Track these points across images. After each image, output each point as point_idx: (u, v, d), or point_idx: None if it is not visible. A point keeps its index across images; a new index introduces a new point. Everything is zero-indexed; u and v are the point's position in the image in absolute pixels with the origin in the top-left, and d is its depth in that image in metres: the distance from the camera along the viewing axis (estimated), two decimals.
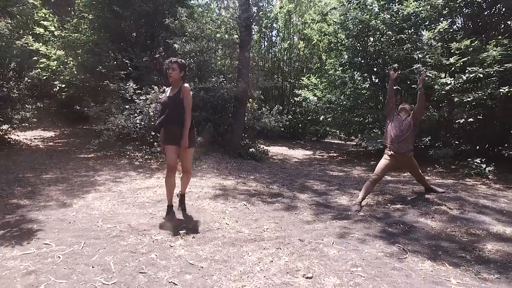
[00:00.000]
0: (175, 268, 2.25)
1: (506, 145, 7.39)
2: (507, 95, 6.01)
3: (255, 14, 7.98)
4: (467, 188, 5.11)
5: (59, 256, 2.34)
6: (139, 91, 7.27)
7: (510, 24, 7.26)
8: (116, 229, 2.96)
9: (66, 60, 10.70)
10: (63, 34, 10.10)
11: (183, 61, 3.31)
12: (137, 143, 7.02)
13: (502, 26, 7.48)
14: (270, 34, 15.98)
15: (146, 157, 6.78)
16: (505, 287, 2.13)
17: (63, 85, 10.24)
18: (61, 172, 5.37)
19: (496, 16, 7.63)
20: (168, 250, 2.54)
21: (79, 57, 10.14)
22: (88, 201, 3.84)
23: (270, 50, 16.00)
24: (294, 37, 16.07)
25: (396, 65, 8.14)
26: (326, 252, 2.62)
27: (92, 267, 2.21)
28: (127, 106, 7.32)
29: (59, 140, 9.51)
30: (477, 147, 8.04)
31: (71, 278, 2.04)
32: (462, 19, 8.25)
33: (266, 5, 14.67)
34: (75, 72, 11.06)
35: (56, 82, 10.22)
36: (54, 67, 10.54)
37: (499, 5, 7.35)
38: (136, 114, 6.97)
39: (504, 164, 6.90)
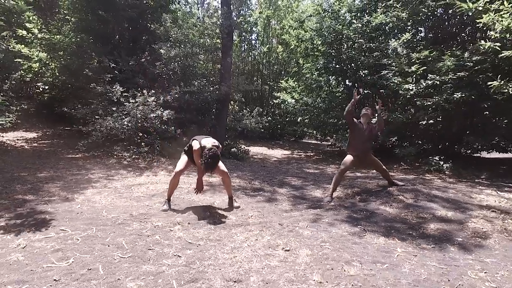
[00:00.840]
0: (177, 246, 2.73)
1: (462, 144, 8.29)
2: (460, 100, 6.82)
3: (236, 22, 8.48)
4: (425, 181, 5.83)
5: (77, 239, 2.76)
6: (125, 94, 7.60)
7: (464, 36, 8.14)
8: (120, 218, 3.40)
9: (47, 62, 10.80)
10: (46, 36, 10.20)
11: None
12: (124, 143, 7.36)
13: (458, 38, 8.35)
14: (250, 37, 16.50)
15: (133, 156, 7.13)
16: (437, 253, 2.75)
17: (46, 87, 10.34)
18: (54, 171, 5.67)
19: (453, 28, 8.51)
20: (169, 233, 3.02)
21: (62, 59, 10.30)
22: (88, 196, 4.23)
23: (250, 53, 16.53)
24: (273, 41, 16.68)
25: (365, 72, 8.90)
26: (301, 233, 3.17)
27: (108, 246, 2.66)
28: (114, 108, 7.64)
29: (43, 141, 9.64)
30: (439, 146, 8.92)
31: (93, 254, 2.49)
32: (424, 30, 9.10)
33: (246, 10, 15.15)
34: (57, 74, 11.19)
35: (39, 84, 10.31)
36: (36, 69, 10.62)
37: (455, 19, 8.23)
38: (123, 116, 7.31)
39: (460, 161, 7.76)
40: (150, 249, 2.63)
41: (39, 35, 10.19)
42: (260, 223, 3.44)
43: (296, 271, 2.33)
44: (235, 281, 2.16)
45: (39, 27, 10.27)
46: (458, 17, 7.99)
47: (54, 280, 2.07)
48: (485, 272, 2.38)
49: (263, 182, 5.87)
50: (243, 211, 3.90)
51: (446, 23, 8.60)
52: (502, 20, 5.69)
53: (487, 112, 7.57)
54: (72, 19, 10.26)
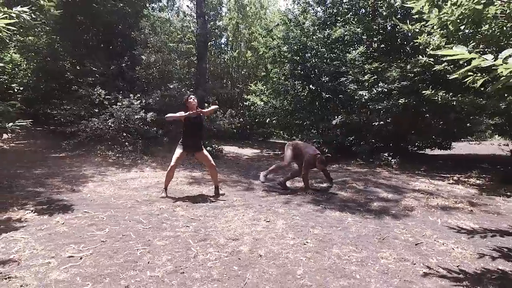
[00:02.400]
0: (183, 220, 3.53)
1: (407, 142, 9.69)
2: (404, 104, 8.10)
3: (212, 32, 9.24)
4: (374, 173, 7.01)
5: (102, 217, 3.47)
6: (108, 97, 8.11)
7: (408, 49, 9.52)
8: (128, 203, 4.11)
9: (19, 63, 10.90)
10: (20, 38, 10.32)
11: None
12: (109, 143, 7.89)
13: (403, 50, 9.73)
14: (220, 42, 17.26)
15: (117, 155, 7.70)
16: (376, 220, 3.77)
17: (21, 88, 10.47)
18: (48, 169, 6.16)
19: (399, 42, 9.88)
20: (173, 212, 3.80)
21: (35, 61, 10.49)
22: (92, 188, 4.86)
23: (220, 57, 17.28)
24: (241, 45, 17.54)
25: (326, 79, 10.06)
26: (276, 211, 4.08)
27: (129, 221, 3.40)
28: (96, 110, 8.14)
29: (19, 142, 9.81)
30: (389, 144, 10.27)
31: (121, 226, 3.23)
32: (376, 43, 10.42)
33: (216, 15, 15.90)
34: (29, 75, 11.31)
35: (13, 85, 10.41)
36: (8, 70, 10.69)
37: (400, 34, 9.59)
38: (107, 117, 7.84)
39: (407, 157, 9.10)
40: (163, 223, 3.41)
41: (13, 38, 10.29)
42: (244, 205, 4.31)
43: (276, 232, 3.23)
44: (233, 239, 3.01)
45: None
46: (400, 34, 9.35)
47: (102, 241, 2.81)
48: (405, 230, 3.43)
49: (240, 176, 6.74)
50: (228, 197, 4.74)
51: (393, 38, 9.96)
52: (433, 40, 6.99)
53: (427, 115, 8.99)
54: (50, 23, 10.44)
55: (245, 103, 14.44)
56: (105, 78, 9.04)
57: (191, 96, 4.83)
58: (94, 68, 8.75)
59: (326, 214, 4.00)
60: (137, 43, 9.24)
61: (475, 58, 1.79)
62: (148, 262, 2.45)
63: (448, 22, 3.28)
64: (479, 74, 3.71)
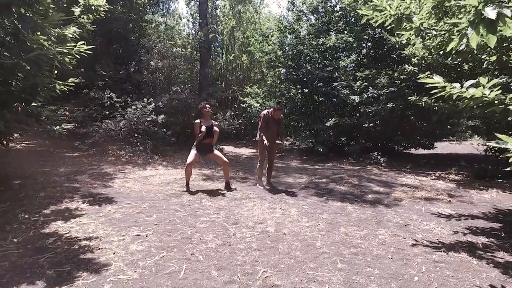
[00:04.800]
0: (213, 209, 4.20)
1: (393, 142, 10.56)
2: (391, 108, 8.94)
3: (213, 38, 9.88)
4: (366, 171, 7.81)
5: (145, 207, 4.11)
6: (118, 99, 8.67)
7: (395, 57, 10.39)
8: (159, 196, 4.75)
9: None
10: None
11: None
12: (121, 143, 8.45)
13: (389, 59, 10.59)
14: (216, 45, 17.86)
15: (129, 155, 8.27)
16: (372, 208, 4.53)
17: None
18: (72, 167, 6.70)
19: (384, 51, 10.75)
20: (201, 203, 4.46)
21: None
22: (120, 184, 5.46)
23: (216, 60, 17.89)
24: (235, 48, 18.19)
25: (320, 84, 10.85)
26: (288, 202, 4.79)
27: (168, 210, 4.05)
28: (106, 112, 8.68)
29: (29, 142, 10.24)
30: (378, 144, 11.13)
31: (164, 214, 3.87)
32: (366, 51, 11.26)
33: (213, 20, 16.49)
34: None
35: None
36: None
37: (385, 44, 10.46)
38: (119, 119, 8.40)
39: (394, 156, 9.96)
40: (197, 211, 4.07)
41: None
42: (258, 197, 5.01)
43: (292, 218, 3.94)
44: (259, 223, 3.70)
45: None
46: (388, 44, 10.21)
47: (155, 224, 3.46)
48: (396, 215, 4.19)
49: (246, 173, 7.42)
50: (242, 191, 5.42)
51: (382, 47, 10.82)
52: (416, 52, 7.84)
53: (412, 118, 9.88)
54: None
55: (241, 105, 15.10)
56: (113, 82, 9.58)
57: (206, 105, 5.45)
58: (103, 73, 9.27)
59: (330, 204, 4.73)
60: (143, 48, 9.79)
61: (446, 86, 2.54)
62: (200, 239, 3.11)
63: (430, 47, 4.04)
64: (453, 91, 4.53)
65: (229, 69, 17.66)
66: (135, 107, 8.17)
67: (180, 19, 15.61)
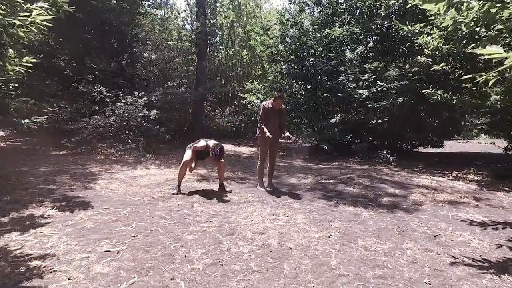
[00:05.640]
0: (205, 216, 3.57)
1: (403, 140, 9.93)
2: (402, 103, 8.30)
3: (211, 30, 9.26)
4: (376, 170, 7.17)
5: (124, 214, 3.49)
6: (108, 94, 8.04)
7: (405, 49, 9.75)
8: (145, 200, 4.13)
9: (13, 59, 10.64)
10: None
11: None
12: (111, 141, 7.83)
13: (399, 50, 9.95)
14: (215, 40, 17.21)
15: (120, 153, 7.65)
16: (390, 214, 3.90)
17: (16, 85, 10.24)
18: (53, 166, 6.09)
19: (396, 42, 10.10)
20: (192, 208, 3.84)
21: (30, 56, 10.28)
22: (103, 185, 4.85)
23: (215, 54, 17.24)
24: (235, 43, 17.53)
25: (324, 78, 10.22)
26: (292, 206, 4.16)
27: (152, 217, 3.43)
28: (96, 108, 8.07)
29: (14, 139, 9.66)
30: (385, 142, 10.49)
31: (146, 221, 3.25)
32: (373, 43, 10.60)
33: (211, 14, 15.85)
34: (23, 72, 11.07)
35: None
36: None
37: (397, 35, 9.81)
38: (109, 115, 7.77)
39: (402, 154, 9.31)
40: (186, 218, 3.45)
41: None
42: (259, 200, 4.38)
43: (298, 226, 3.32)
44: (260, 233, 3.08)
45: None
46: (398, 34, 9.56)
47: (132, 236, 2.84)
48: (420, 223, 3.56)
49: (245, 173, 6.80)
50: (240, 193, 4.80)
51: (389, 39, 10.17)
52: (432, 41, 7.20)
53: (422, 114, 9.23)
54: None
55: (241, 101, 14.48)
56: (104, 75, 8.95)
57: None
58: (93, 65, 8.65)
59: (341, 209, 4.11)
60: (136, 40, 9.16)
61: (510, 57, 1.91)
62: (185, 256, 2.49)
63: (463, 24, 3.41)
64: (491, 74, 3.90)
65: (229, 65, 17.01)
66: (125, 102, 7.54)
67: (179, 13, 14.98)
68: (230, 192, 4.89)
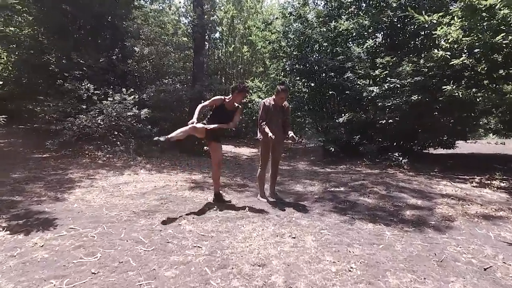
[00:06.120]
0: (193, 238, 2.89)
1: (415, 141, 9.23)
2: (416, 101, 7.59)
3: (209, 23, 8.58)
4: (390, 175, 6.48)
5: (93, 236, 2.81)
6: (97, 92, 7.38)
7: (417, 43, 9.04)
8: (123, 215, 3.46)
9: None
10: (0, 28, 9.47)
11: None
12: (98, 142, 7.17)
13: (410, 45, 9.24)
14: (214, 36, 16.56)
15: (108, 156, 6.99)
16: (419, 234, 3.21)
17: (1, 82, 9.61)
18: (29, 171, 5.42)
19: (405, 37, 9.40)
20: (179, 227, 3.16)
21: (17, 53, 9.67)
22: (79, 196, 4.18)
23: (214, 52, 16.60)
24: (236, 39, 16.85)
25: (331, 74, 9.53)
26: (299, 222, 3.48)
27: (126, 241, 2.75)
28: (84, 106, 7.40)
29: None
30: (394, 144, 9.79)
31: (116, 249, 2.58)
32: (382, 37, 9.91)
33: (210, 8, 15.17)
34: (10, 68, 10.47)
35: None
36: None
37: (410, 28, 9.11)
38: (96, 114, 7.11)
39: (413, 156, 8.58)
40: (168, 242, 2.77)
41: None
42: (259, 215, 3.70)
43: (309, 254, 2.63)
44: (260, 265, 2.40)
45: None
46: (412, 26, 8.85)
47: (92, 273, 2.16)
48: (460, 247, 2.87)
49: (245, 179, 6.12)
50: (238, 204, 4.12)
51: (401, 32, 9.47)
52: (453, 32, 6.50)
53: (436, 113, 8.48)
54: (33, 12, 9.61)
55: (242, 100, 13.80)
56: (93, 72, 8.29)
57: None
58: (81, 61, 7.98)
59: (358, 226, 3.42)
60: (128, 34, 8.48)
61: None
62: None
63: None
64: None
65: (229, 62, 16.34)
66: (112, 100, 6.86)
67: (176, 8, 14.31)
68: (229, 202, 4.22)
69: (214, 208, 3.90)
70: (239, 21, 16.11)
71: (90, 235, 2.83)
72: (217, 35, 16.99)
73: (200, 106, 3.94)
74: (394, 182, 5.57)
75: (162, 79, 8.42)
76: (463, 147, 14.61)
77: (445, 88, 6.32)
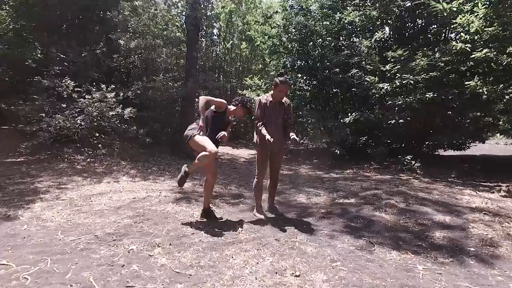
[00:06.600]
0: (163, 279, 2.16)
1: (426, 142, 8.48)
2: (432, 99, 6.85)
3: (204, 16, 7.86)
4: (404, 182, 5.74)
5: (26, 277, 2.09)
6: (78, 89, 6.67)
7: (429, 36, 8.30)
8: (82, 241, 2.73)
9: None
10: None
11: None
12: (78, 145, 6.45)
13: (422, 37, 8.49)
14: (211, 32, 15.81)
15: (88, 160, 6.28)
16: (458, 268, 2.49)
17: None
18: None
19: (416, 29, 8.67)
20: (148, 260, 2.43)
21: None
22: (37, 212, 3.45)
23: (212, 49, 15.86)
24: (234, 36, 16.11)
25: (335, 70, 8.79)
26: (304, 250, 2.75)
27: (70, 286, 2.02)
28: (63, 105, 6.69)
29: None
30: (402, 145, 9.06)
31: None
32: (390, 30, 9.16)
33: (207, 4, 14.44)
34: None
35: None
36: None
37: (418, 20, 8.38)
38: (76, 114, 6.40)
39: (425, 159, 7.79)
40: (128, 287, 2.04)
41: None
42: (254, 239, 2.97)
43: None
44: None
45: None
46: (423, 18, 8.11)
47: None
48: None
49: (240, 187, 5.40)
50: (230, 224, 3.39)
51: (411, 24, 8.74)
52: (474, 21, 5.77)
53: (449, 112, 7.71)
54: (10, 2, 8.89)
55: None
56: (76, 67, 7.56)
57: None
58: (62, 55, 7.26)
59: (379, 256, 2.68)
60: (114, 26, 7.75)
61: None
62: None
63: None
64: None
65: (227, 60, 15.60)
66: (90, 97, 6.13)
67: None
68: (221, 219, 3.50)
69: (200, 228, 3.17)
70: (237, 17, 15.37)
71: (22, 276, 2.10)
72: (215, 31, 16.26)
73: (203, 101, 3.25)
74: (412, 191, 4.83)
75: (152, 75, 7.67)
76: (473, 148, 13.85)
77: (468, 84, 5.58)
